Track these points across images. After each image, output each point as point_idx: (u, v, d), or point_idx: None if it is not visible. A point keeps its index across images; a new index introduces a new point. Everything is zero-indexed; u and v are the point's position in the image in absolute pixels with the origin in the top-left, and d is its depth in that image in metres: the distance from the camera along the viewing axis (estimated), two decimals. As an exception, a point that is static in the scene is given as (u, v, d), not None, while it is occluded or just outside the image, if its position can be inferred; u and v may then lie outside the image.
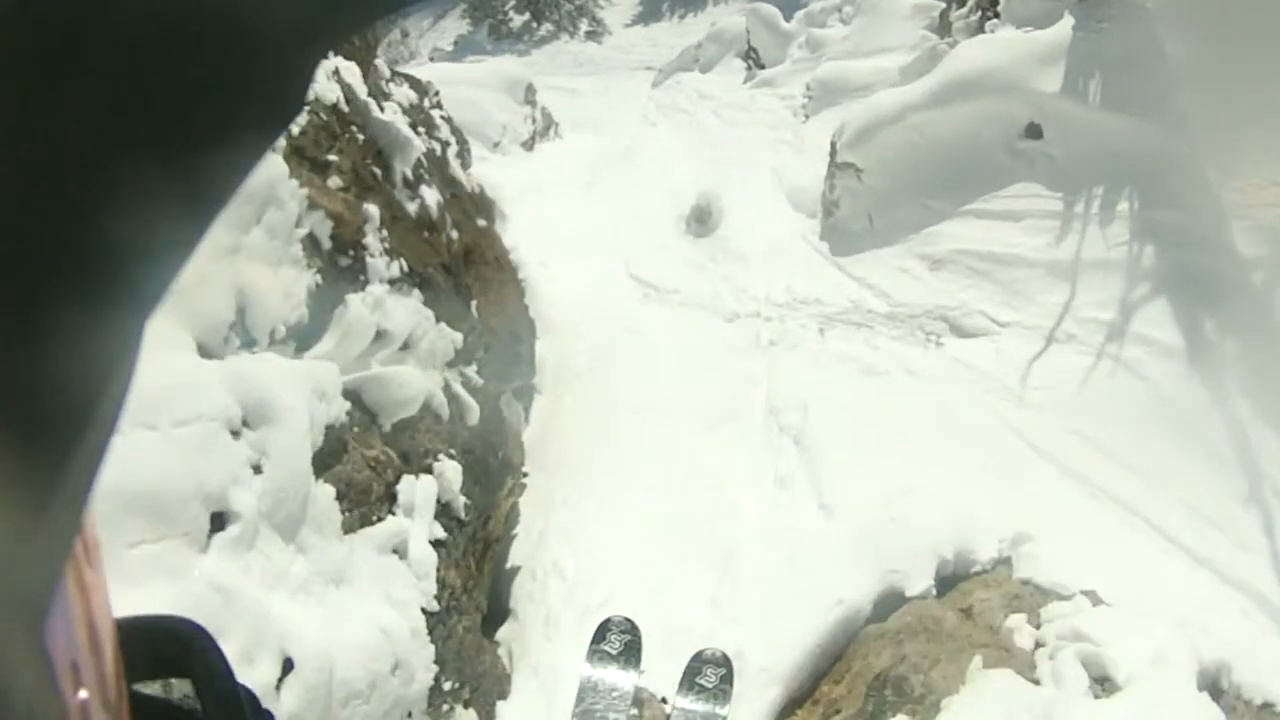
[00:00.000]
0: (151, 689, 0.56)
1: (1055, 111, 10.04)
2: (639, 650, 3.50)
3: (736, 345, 9.10)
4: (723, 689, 3.42)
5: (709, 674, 3.42)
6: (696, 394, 8.31)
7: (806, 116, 15.88)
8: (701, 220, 11.91)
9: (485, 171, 14.25)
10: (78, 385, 0.24)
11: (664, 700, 3.90)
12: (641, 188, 14.06)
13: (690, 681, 3.45)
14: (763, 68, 19.12)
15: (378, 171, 5.30)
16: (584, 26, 29.32)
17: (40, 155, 0.22)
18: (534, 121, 16.63)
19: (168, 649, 0.55)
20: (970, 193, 9.95)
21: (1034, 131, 10.13)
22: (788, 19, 19.61)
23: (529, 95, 16.87)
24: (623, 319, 9.83)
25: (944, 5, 15.42)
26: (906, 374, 8.27)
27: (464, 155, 12.53)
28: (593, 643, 3.51)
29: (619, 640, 3.49)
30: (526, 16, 29.71)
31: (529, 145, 16.15)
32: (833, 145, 11.22)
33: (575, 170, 15.36)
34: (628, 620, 3.61)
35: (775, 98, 17.33)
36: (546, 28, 29.24)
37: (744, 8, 20.97)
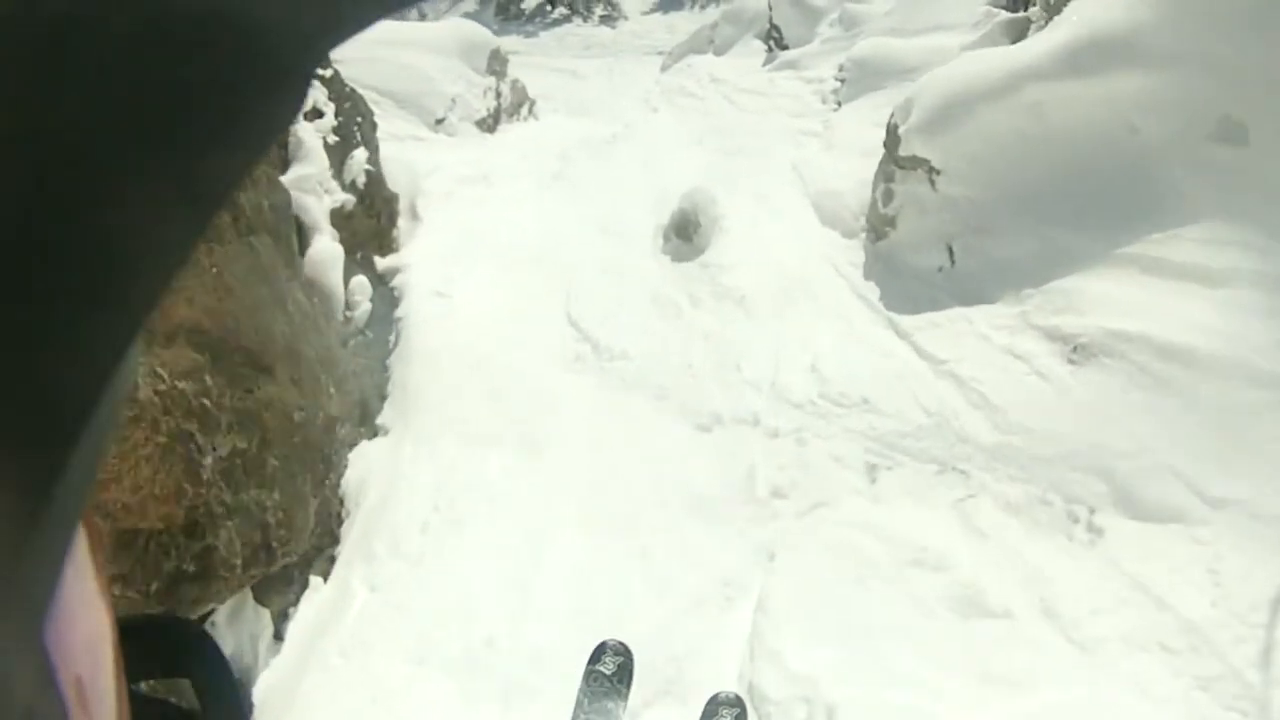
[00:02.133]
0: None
1: (1270, 106, 5.21)
2: (631, 673, 3.13)
3: (709, 494, 4.32)
4: None
5: (725, 714, 3.03)
6: (608, 618, 3.60)
7: (839, 103, 11.04)
8: (684, 234, 7.09)
9: (412, 156, 9.47)
10: (76, 385, 0.22)
11: None
12: (621, 183, 9.29)
13: None
14: (786, 49, 14.25)
15: None
16: (599, 11, 24.55)
17: (39, 155, 0.20)
18: (498, 96, 11.78)
19: (168, 648, 0.50)
20: (1127, 225, 5.10)
21: (1232, 132, 5.27)
22: (818, -5, 14.72)
23: (494, 64, 12.01)
24: (522, 412, 5.06)
25: (1018, -28, 10.93)
26: (1041, 612, 3.50)
27: (356, 133, 7.88)
28: (589, 663, 3.12)
29: (613, 662, 3.10)
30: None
31: (488, 125, 11.31)
32: (891, 130, 6.34)
33: (541, 158, 10.56)
34: (622, 644, 3.18)
35: (799, 81, 12.44)
36: (560, 11, 24.55)
37: (768, -15, 16.08)
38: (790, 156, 9.38)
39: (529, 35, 23.10)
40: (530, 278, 7.11)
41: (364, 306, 6.35)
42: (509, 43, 21.84)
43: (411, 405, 5.43)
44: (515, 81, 12.47)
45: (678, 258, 6.99)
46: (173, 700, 0.51)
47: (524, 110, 12.37)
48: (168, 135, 0.22)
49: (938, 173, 5.85)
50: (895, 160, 6.13)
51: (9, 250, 0.20)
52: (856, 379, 4.89)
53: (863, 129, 9.55)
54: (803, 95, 11.94)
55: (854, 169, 8.02)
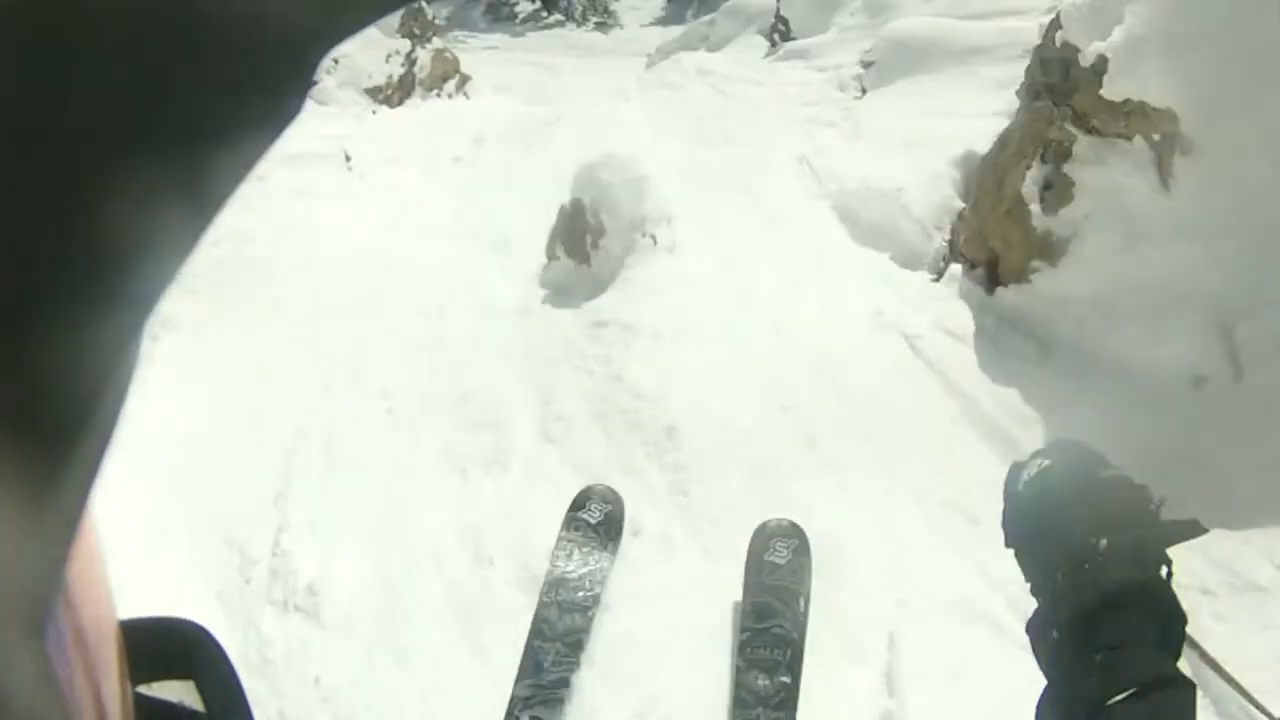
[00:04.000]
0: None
1: None
2: (621, 524, 2.34)
3: None
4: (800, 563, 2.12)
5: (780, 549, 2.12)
6: None
7: (863, 90, 7.20)
8: (576, 248, 3.26)
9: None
10: (77, 385, 0.20)
11: None
12: (542, 177, 5.46)
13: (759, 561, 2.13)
14: (793, 40, 10.44)
15: None
16: (594, 19, 21.00)
17: (40, 154, 0.19)
18: (411, 64, 7.94)
19: (171, 650, 0.44)
20: None
21: None
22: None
23: (413, 25, 8.20)
24: None
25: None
26: None
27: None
28: (570, 509, 2.35)
29: (600, 509, 2.34)
30: (536, 5, 21.42)
31: (386, 97, 7.43)
32: (1052, 39, 2.46)
33: (445, 141, 6.75)
34: (611, 490, 2.39)
35: (810, 70, 8.51)
36: (555, 18, 21.03)
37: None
38: (799, 148, 5.55)
39: (516, 35, 19.71)
40: (289, 331, 3.27)
41: None
42: (493, 39, 18.31)
43: None
44: (442, 52, 8.61)
45: (558, 297, 3.13)
46: (175, 702, 0.43)
47: (450, 86, 8.49)
48: (169, 132, 0.20)
49: (1186, 147, 1.97)
50: (1075, 113, 2.24)
51: (10, 248, 0.18)
52: None
53: (905, 118, 5.67)
54: (813, 83, 8.04)
55: (902, 165, 4.22)
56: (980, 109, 4.90)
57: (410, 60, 7.94)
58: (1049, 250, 2.35)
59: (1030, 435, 1.94)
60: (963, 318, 2.55)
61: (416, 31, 8.23)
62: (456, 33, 17.83)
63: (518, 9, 21.13)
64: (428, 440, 2.47)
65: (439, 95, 8.27)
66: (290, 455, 2.52)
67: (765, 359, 2.58)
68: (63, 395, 0.19)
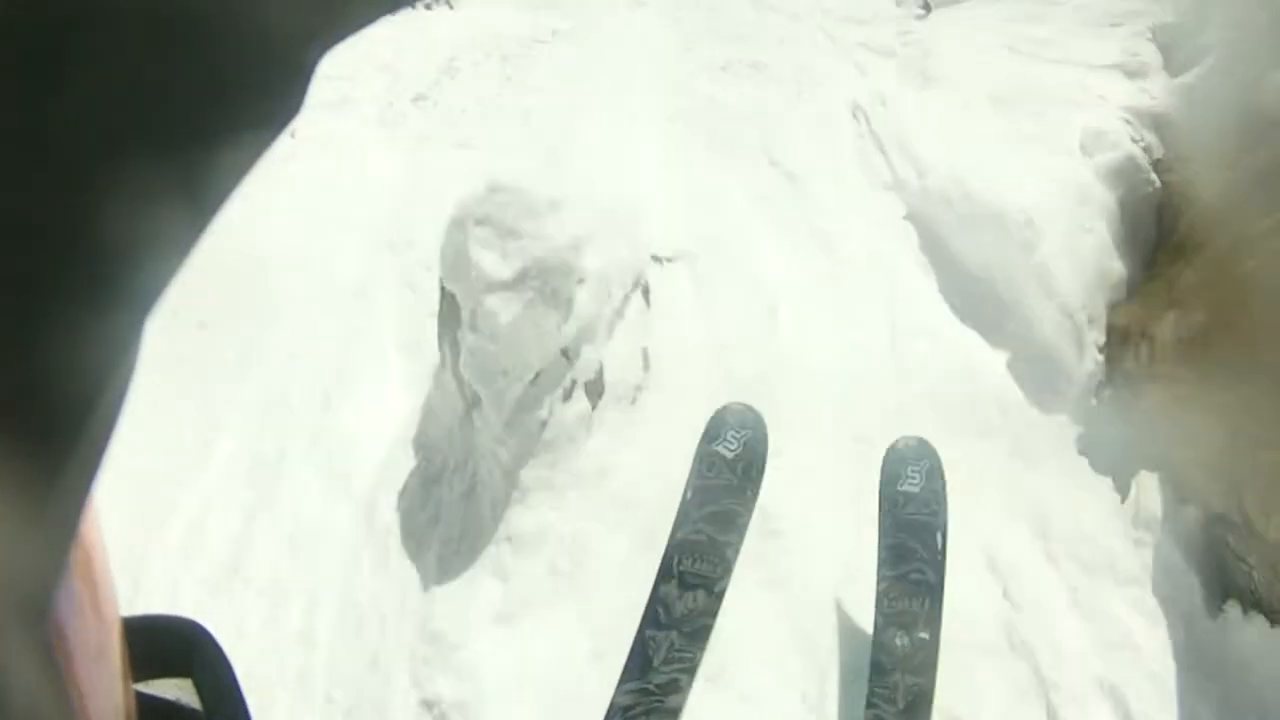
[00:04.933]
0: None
1: None
2: (763, 455, 1.84)
3: None
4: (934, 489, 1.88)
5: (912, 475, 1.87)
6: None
7: (927, 6, 5.64)
8: (462, 383, 2.01)
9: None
10: (76, 384, 0.20)
11: None
12: (520, 129, 4.14)
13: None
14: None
15: None
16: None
17: (39, 155, 0.19)
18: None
19: (170, 649, 0.43)
20: None
21: None
22: None
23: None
24: None
25: None
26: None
27: None
28: (703, 440, 1.85)
29: (737, 438, 1.82)
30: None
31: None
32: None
33: (412, 70, 5.32)
34: (750, 409, 1.87)
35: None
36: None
37: None
38: (850, 91, 4.10)
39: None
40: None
41: None
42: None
43: None
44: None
45: (410, 531, 2.08)
46: (173, 699, 0.42)
47: (430, -6, 6.95)
48: (169, 133, 0.20)
49: None
50: None
51: (9, 249, 0.18)
52: None
53: (989, 56, 4.13)
54: (863, -4, 6.44)
55: (1002, 143, 2.79)
56: (1092, 54, 3.42)
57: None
58: None
59: None
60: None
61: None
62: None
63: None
64: None
65: (414, 4, 6.76)
66: None
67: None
68: (63, 395, 0.19)
